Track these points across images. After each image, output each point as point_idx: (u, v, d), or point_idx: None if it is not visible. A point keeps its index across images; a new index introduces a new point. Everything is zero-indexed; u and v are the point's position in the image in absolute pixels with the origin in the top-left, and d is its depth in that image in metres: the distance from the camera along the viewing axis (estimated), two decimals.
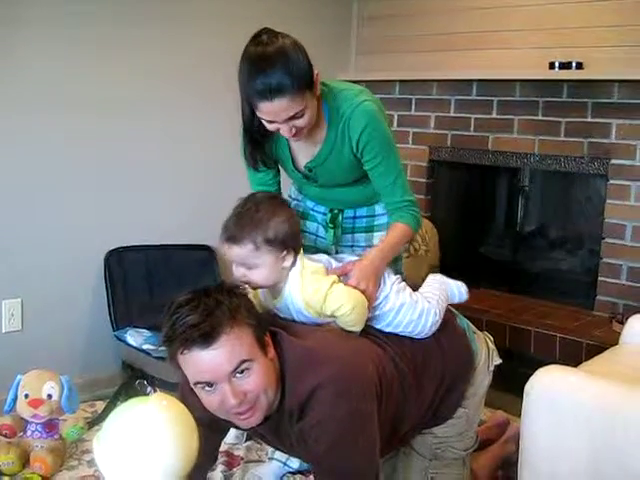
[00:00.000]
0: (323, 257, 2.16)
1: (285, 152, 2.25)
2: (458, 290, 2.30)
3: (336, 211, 2.37)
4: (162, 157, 3.54)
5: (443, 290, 2.25)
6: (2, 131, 3.04)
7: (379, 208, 2.36)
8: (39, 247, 3.18)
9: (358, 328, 2.04)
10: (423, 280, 2.32)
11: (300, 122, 2.01)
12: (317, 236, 2.42)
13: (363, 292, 2.04)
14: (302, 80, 1.95)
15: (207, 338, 1.67)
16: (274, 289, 2.07)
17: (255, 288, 2.06)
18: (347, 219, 2.39)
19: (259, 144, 2.18)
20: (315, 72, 2.02)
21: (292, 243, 2.00)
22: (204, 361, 1.69)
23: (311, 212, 2.43)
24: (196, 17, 3.57)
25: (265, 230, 1.94)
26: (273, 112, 1.96)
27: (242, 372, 1.72)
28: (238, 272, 2.00)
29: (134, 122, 3.42)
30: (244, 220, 1.95)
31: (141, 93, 3.42)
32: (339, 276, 2.06)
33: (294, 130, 2.03)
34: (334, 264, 2.12)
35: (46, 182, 3.18)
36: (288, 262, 2.00)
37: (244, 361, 1.72)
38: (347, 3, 4.25)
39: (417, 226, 2.24)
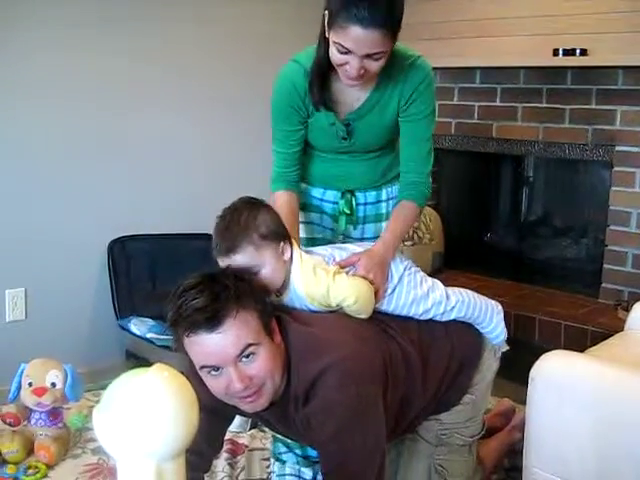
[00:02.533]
0: (326, 250, 2.12)
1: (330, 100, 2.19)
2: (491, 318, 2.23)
3: (349, 196, 2.34)
4: (164, 146, 3.52)
5: (478, 301, 2.21)
6: (1, 122, 3.04)
7: (385, 193, 2.36)
8: (42, 237, 3.18)
9: (365, 316, 2.01)
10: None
11: (373, 65, 1.97)
12: (322, 226, 2.39)
13: (372, 282, 2.01)
14: (397, 25, 1.95)
15: (213, 321, 1.66)
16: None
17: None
18: (359, 205, 2.35)
19: (326, 80, 2.13)
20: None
21: (283, 232, 1.98)
22: (210, 345, 1.68)
23: (318, 202, 2.38)
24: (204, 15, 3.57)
25: (257, 228, 1.91)
26: (359, 41, 1.90)
27: (248, 356, 1.71)
28: None
29: (135, 113, 3.41)
30: (233, 229, 1.92)
31: (142, 85, 3.41)
32: (343, 267, 2.03)
33: (362, 71, 1.97)
34: (338, 256, 2.08)
35: (49, 172, 3.18)
36: (287, 254, 1.97)
37: (250, 345, 1.70)
38: None
39: (424, 203, 2.28)
